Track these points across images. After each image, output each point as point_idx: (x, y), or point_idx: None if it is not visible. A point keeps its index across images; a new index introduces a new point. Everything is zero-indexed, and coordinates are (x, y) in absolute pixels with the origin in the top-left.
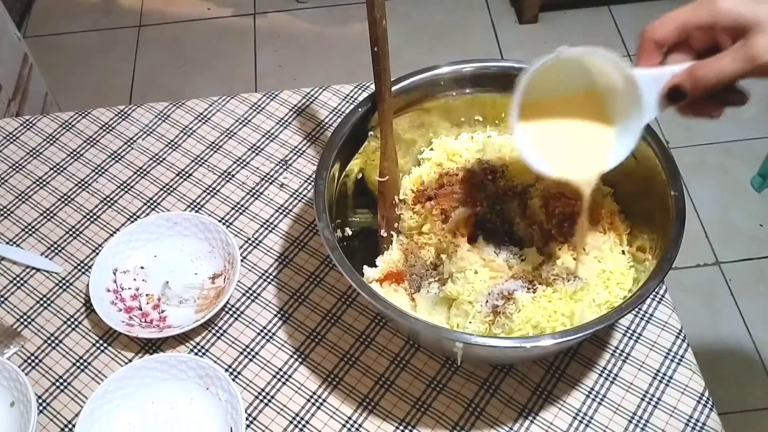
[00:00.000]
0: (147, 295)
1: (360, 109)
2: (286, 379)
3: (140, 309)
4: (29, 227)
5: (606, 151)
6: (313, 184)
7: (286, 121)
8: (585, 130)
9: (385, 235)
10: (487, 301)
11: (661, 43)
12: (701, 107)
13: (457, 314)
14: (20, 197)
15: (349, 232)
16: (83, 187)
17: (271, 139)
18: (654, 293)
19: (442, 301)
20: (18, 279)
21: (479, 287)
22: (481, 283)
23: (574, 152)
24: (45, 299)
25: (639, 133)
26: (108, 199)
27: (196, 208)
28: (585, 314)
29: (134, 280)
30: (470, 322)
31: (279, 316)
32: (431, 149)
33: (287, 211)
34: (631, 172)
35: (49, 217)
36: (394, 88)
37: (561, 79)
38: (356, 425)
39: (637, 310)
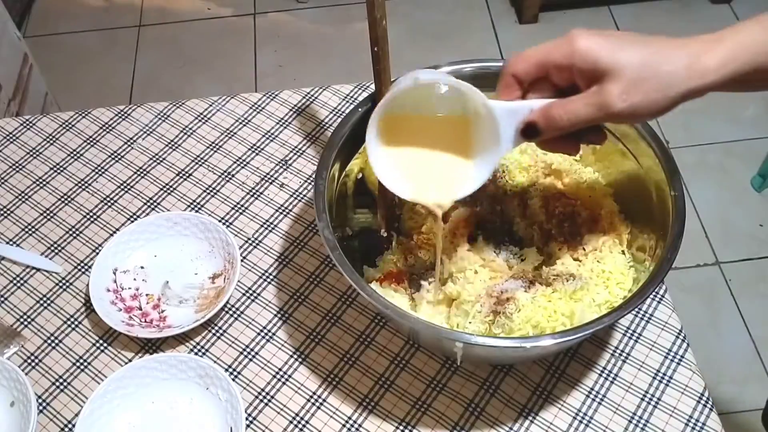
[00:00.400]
0: (147, 294)
1: (360, 109)
2: (286, 379)
3: (140, 309)
4: (29, 227)
5: (463, 179)
6: (313, 184)
7: (286, 121)
8: (447, 156)
9: (385, 235)
10: (487, 302)
11: (520, 78)
12: (558, 144)
13: (457, 314)
14: (20, 197)
15: (349, 232)
16: (83, 186)
17: (271, 139)
18: (654, 293)
19: (442, 301)
20: (18, 279)
21: (479, 287)
22: (481, 283)
23: (432, 177)
24: (45, 299)
25: (494, 165)
26: (108, 198)
27: (196, 208)
28: (585, 314)
29: (134, 279)
30: (470, 322)
31: (279, 316)
32: None
33: (287, 211)
34: (631, 172)
35: (49, 216)
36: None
37: (437, 99)
38: (356, 425)
39: (637, 310)
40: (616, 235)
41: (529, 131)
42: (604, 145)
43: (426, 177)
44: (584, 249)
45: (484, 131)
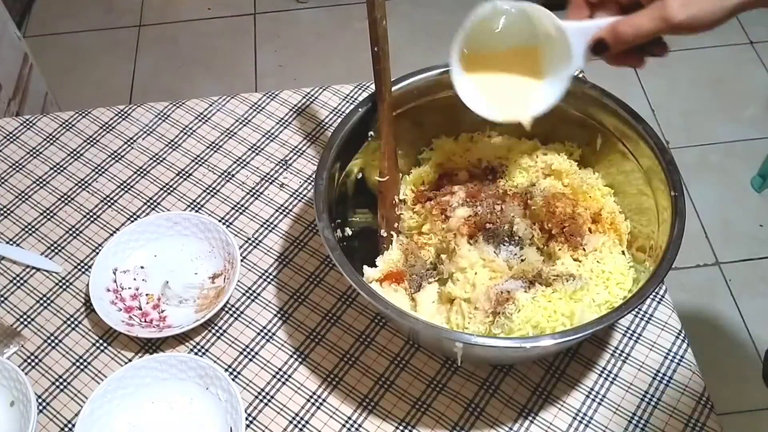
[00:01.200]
0: (147, 294)
1: (360, 109)
2: (286, 379)
3: (140, 309)
4: (29, 227)
5: (538, 97)
6: (313, 184)
7: (286, 121)
8: (520, 79)
9: (385, 235)
10: (486, 301)
11: None
12: (625, 58)
13: (457, 314)
14: (20, 197)
15: (349, 232)
16: (83, 186)
17: (271, 139)
18: (654, 293)
19: (442, 300)
20: (18, 279)
21: (479, 287)
22: (481, 284)
23: (510, 97)
24: (45, 299)
25: (568, 81)
26: (108, 198)
27: (196, 208)
28: (585, 314)
29: (134, 279)
30: (470, 322)
31: (279, 316)
32: (431, 149)
33: (287, 211)
34: (631, 172)
35: (49, 216)
36: (394, 88)
37: (509, 29)
38: (356, 425)
39: (637, 310)
40: (616, 235)
41: (598, 47)
42: (605, 146)
43: (505, 98)
44: (584, 249)
45: (556, 51)
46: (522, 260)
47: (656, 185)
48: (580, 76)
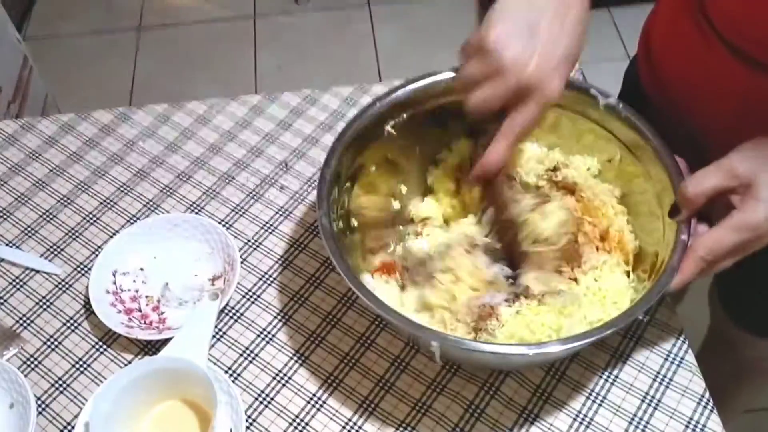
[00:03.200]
0: (146, 296)
1: (378, 103)
2: (286, 381)
3: (140, 311)
4: (29, 229)
5: None
6: (313, 184)
7: (286, 123)
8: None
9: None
10: (468, 314)
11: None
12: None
13: (440, 324)
14: (20, 199)
15: (354, 223)
16: (83, 189)
17: (271, 141)
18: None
19: (424, 307)
20: (17, 281)
21: (460, 298)
22: (461, 294)
23: None
24: (44, 301)
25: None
26: (108, 200)
27: (196, 210)
28: (573, 329)
29: (134, 281)
30: (451, 333)
31: (279, 317)
32: (450, 150)
33: (287, 213)
34: (644, 192)
35: (48, 218)
36: (417, 86)
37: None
38: (356, 427)
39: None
40: (622, 255)
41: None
42: (621, 162)
43: None
44: (582, 267)
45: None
46: (511, 284)
47: (667, 204)
48: (588, 87)
